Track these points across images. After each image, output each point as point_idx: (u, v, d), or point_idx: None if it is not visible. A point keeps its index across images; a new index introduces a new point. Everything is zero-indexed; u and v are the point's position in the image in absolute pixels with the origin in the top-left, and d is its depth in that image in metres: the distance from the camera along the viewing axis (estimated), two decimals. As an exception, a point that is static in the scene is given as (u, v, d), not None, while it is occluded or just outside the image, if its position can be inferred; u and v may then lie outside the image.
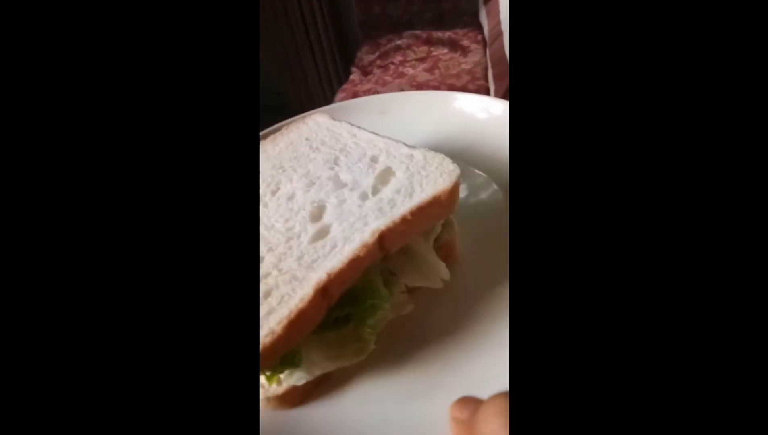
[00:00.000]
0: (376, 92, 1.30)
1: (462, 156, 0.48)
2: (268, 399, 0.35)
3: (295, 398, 0.35)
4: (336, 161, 0.42)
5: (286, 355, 0.33)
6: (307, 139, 0.46)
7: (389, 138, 0.43)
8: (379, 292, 0.36)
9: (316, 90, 1.95)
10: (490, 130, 0.54)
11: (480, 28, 1.52)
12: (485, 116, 0.57)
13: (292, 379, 0.34)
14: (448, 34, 1.50)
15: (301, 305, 0.31)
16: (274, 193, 0.40)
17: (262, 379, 0.35)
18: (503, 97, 1.38)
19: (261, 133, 0.55)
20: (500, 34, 1.24)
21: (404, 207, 0.35)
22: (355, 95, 1.38)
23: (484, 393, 0.24)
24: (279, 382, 0.34)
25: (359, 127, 0.46)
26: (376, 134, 0.44)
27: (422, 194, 0.36)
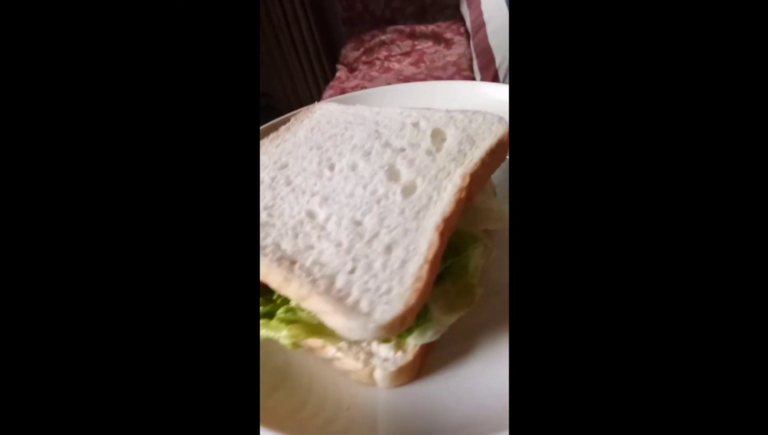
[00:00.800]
0: (364, 88, 1.27)
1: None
2: (399, 370, 0.32)
3: (417, 366, 0.33)
4: (379, 133, 0.42)
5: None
6: (328, 122, 0.45)
7: (417, 108, 0.45)
8: (474, 237, 0.36)
9: (303, 89, 1.90)
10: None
11: (462, 20, 1.56)
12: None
13: (424, 337, 0.32)
14: (431, 27, 1.53)
15: (433, 249, 0.30)
16: (331, 168, 0.38)
17: (386, 348, 0.32)
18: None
19: (261, 128, 0.52)
20: (483, 25, 1.28)
21: (477, 153, 0.37)
22: (343, 92, 1.32)
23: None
24: (405, 348, 0.32)
25: (377, 107, 0.46)
26: (401, 107, 0.45)
27: (486, 141, 0.38)
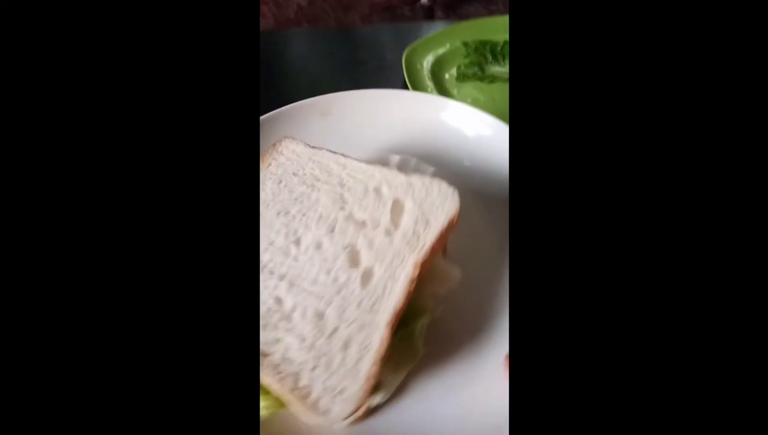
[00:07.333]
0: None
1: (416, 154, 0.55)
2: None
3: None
4: (343, 199, 0.45)
5: (369, 385, 0.39)
6: (294, 174, 0.48)
7: (378, 165, 0.47)
8: (421, 309, 0.43)
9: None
10: (437, 129, 0.61)
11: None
12: (429, 115, 0.63)
13: (374, 400, 0.41)
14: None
15: (384, 344, 0.37)
16: (297, 244, 0.43)
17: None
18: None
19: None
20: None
21: (428, 237, 0.42)
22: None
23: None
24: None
25: (342, 155, 0.48)
26: (361, 162, 0.48)
27: (438, 222, 0.42)
